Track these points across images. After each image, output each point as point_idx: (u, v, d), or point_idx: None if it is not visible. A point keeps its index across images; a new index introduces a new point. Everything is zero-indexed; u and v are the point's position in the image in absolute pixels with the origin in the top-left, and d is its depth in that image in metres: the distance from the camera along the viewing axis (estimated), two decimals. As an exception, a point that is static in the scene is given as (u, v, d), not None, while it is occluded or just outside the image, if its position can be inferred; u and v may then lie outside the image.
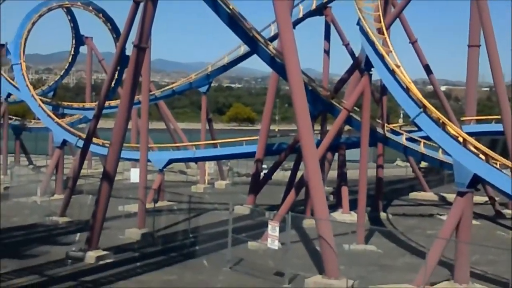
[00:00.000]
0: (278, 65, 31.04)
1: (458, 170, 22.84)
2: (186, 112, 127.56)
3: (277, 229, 24.54)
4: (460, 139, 23.35)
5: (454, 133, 23.65)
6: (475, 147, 23.06)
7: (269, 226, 24.85)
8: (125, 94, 25.90)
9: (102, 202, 26.65)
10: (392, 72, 26.08)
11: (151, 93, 47.90)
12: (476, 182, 22.81)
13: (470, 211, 23.42)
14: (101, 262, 26.00)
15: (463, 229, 22.90)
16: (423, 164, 52.86)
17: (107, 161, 26.66)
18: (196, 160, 44.26)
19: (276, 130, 78.15)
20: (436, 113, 24.23)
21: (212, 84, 50.36)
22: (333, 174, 42.94)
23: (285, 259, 24.03)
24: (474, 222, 34.11)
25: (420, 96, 24.72)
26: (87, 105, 51.89)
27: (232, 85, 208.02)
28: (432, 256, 22.56)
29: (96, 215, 26.77)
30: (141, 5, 25.44)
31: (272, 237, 24.62)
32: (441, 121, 23.99)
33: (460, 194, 22.87)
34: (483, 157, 22.59)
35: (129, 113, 26.34)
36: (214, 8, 29.29)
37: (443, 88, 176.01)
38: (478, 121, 42.30)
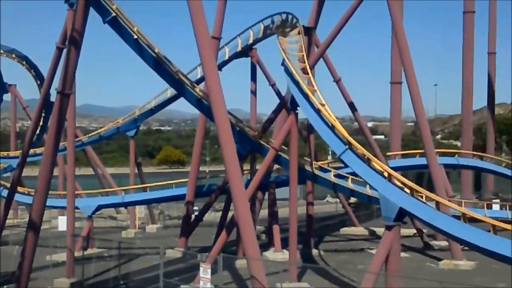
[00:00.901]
0: (205, 107, 31.15)
1: (384, 204, 23.29)
2: (115, 157, 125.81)
3: (209, 271, 24.31)
4: (386, 174, 23.83)
5: (379, 168, 24.13)
6: (400, 181, 23.58)
7: (201, 268, 24.58)
8: (49, 141, 25.41)
9: (28, 253, 25.84)
10: (317, 111, 26.50)
11: (77, 139, 47.40)
12: (403, 215, 23.27)
13: (398, 244, 23.85)
14: (27, 314, 25.17)
15: (392, 262, 23.26)
16: (353, 199, 53.56)
17: (33, 209, 25.98)
18: (125, 205, 43.66)
19: (207, 171, 78.00)
20: (361, 149, 24.71)
21: (141, 128, 49.99)
22: (264, 213, 43.05)
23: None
24: (403, 254, 34.93)
25: (345, 133, 25.18)
26: (12, 153, 50.70)
27: (162, 128, 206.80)
28: (363, 291, 22.78)
29: (22, 266, 25.92)
30: (64, 50, 25.21)
31: (204, 279, 24.35)
32: (366, 157, 24.46)
33: (388, 227, 23.29)
34: (408, 190, 23.10)
35: (54, 160, 25.81)
36: (139, 52, 29.31)
37: (369, 124, 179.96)
38: (403, 156, 43.33)
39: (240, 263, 32.47)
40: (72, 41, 24.24)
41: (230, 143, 23.25)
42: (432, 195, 23.38)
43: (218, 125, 23.66)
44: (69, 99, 25.67)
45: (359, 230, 47.03)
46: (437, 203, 22.54)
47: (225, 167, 23.91)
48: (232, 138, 23.53)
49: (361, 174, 24.71)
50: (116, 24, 28.06)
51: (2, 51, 50.66)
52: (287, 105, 31.53)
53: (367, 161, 24.34)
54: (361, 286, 23.37)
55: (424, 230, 40.55)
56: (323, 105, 26.56)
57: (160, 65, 30.05)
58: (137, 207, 49.43)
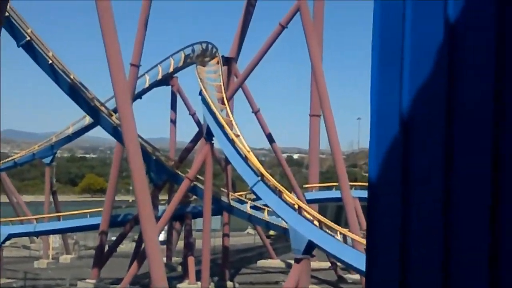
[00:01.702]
0: (121, 135, 30.75)
1: (294, 237, 23.42)
2: (37, 184, 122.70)
3: (116, 303, 23.89)
4: (296, 207, 23.99)
5: (290, 200, 24.30)
6: (310, 214, 23.77)
7: (108, 301, 24.13)
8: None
9: None
10: (231, 142, 26.56)
11: (-10, 165, 46.01)
12: (311, 248, 23.42)
13: (306, 276, 23.94)
14: None
15: (300, 295, 23.33)
16: (272, 232, 53.58)
17: None
18: (37, 234, 42.37)
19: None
20: (273, 181, 24.85)
21: (64, 155, 48.95)
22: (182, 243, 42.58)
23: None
24: (316, 287, 35.06)
25: (258, 164, 25.30)
26: None
27: (87, 155, 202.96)
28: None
29: None
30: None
31: (111, 311, 23.89)
32: (278, 189, 24.58)
33: (297, 260, 23.38)
34: (317, 223, 23.30)
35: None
36: (54, 78, 28.90)
37: (295, 156, 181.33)
38: (321, 188, 43.69)
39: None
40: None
41: (141, 173, 23.03)
42: (338, 228, 23.63)
43: (129, 155, 23.44)
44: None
45: (276, 262, 46.91)
46: (344, 236, 22.80)
47: (135, 197, 23.63)
48: (142, 168, 23.31)
49: (272, 206, 24.84)
50: (30, 48, 27.59)
51: None
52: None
53: (279, 193, 24.47)
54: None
55: (339, 263, 40.85)
56: (237, 136, 26.66)
57: (75, 91, 29.65)
58: (51, 236, 48.01)
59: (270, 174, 77.93)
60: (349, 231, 25.45)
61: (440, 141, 2.00)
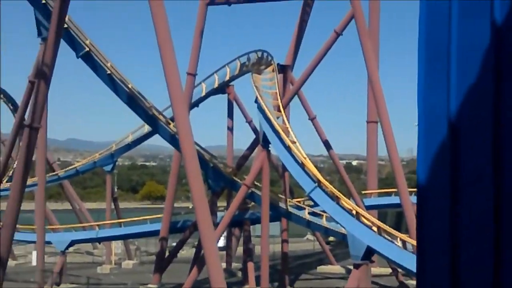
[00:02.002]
0: (179, 143, 31.11)
1: (352, 243, 23.25)
2: (99, 192, 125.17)
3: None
4: (354, 212, 23.82)
5: (348, 206, 24.14)
6: (368, 220, 23.57)
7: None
8: (17, 175, 25.26)
9: (-6, 288, 25.47)
10: (287, 148, 26.56)
11: (53, 173, 47.11)
12: (370, 254, 23.21)
13: (366, 282, 23.71)
14: None
15: (359, 301, 23.14)
16: (332, 238, 53.31)
17: (0, 244, 25.65)
18: (99, 240, 43.24)
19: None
20: (330, 188, 24.76)
21: (126, 163, 49.82)
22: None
23: None
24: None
25: (315, 171, 25.24)
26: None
27: (147, 163, 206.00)
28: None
29: (-12, 302, 25.54)
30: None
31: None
32: (335, 195, 24.46)
33: (356, 266, 23.21)
34: (375, 229, 23.08)
35: (22, 195, 25.56)
36: (113, 87, 29.43)
37: (354, 162, 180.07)
38: (380, 194, 43.25)
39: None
40: (41, 75, 24.26)
41: (198, 180, 23.19)
42: (398, 234, 23.35)
43: (186, 163, 23.63)
44: (37, 133, 25.54)
45: (336, 268, 46.62)
46: (404, 242, 22.52)
47: (193, 205, 23.83)
48: (199, 175, 23.48)
49: (330, 212, 24.73)
50: (89, 59, 28.19)
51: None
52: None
53: (336, 199, 24.34)
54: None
55: (399, 269, 40.33)
56: (293, 142, 26.65)
57: (133, 101, 30.14)
58: (114, 242, 48.92)
59: (329, 181, 77.91)
60: (408, 236, 25.11)
61: (488, 143, 1.98)
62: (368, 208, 35.94)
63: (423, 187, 2.14)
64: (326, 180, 48.24)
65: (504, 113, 1.96)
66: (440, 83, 2.14)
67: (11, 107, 51.00)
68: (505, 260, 1.92)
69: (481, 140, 2.00)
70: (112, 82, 29.26)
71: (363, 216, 23.65)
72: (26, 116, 26.38)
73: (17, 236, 38.77)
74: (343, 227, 24.18)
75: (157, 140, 44.54)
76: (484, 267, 1.96)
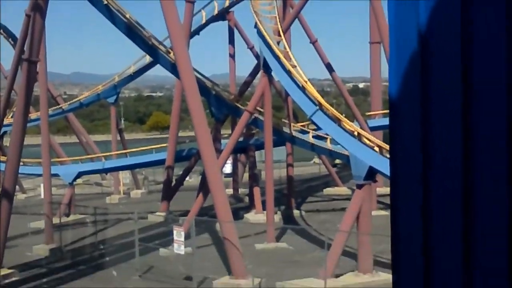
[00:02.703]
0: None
1: (354, 164, 23.41)
2: (106, 124, 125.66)
3: (183, 234, 24.56)
4: (355, 134, 23.89)
5: (349, 128, 24.19)
6: (370, 141, 23.65)
7: (174, 232, 24.86)
8: (19, 109, 25.37)
9: (3, 220, 25.88)
10: (288, 73, 26.44)
11: (57, 106, 47.24)
12: (373, 174, 23.36)
13: (368, 202, 23.98)
14: (6, 281, 25.36)
15: (363, 221, 23.46)
16: (338, 160, 53.62)
17: (5, 177, 26.00)
18: (106, 171, 43.69)
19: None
20: (332, 110, 24.76)
21: (132, 94, 49.78)
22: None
23: (192, 263, 24.03)
24: (383, 212, 35.15)
25: (316, 94, 25.19)
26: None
27: (153, 94, 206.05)
28: (334, 249, 23.02)
29: (-3, 234, 26.05)
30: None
31: (178, 242, 24.61)
32: (336, 118, 24.49)
33: (358, 186, 23.44)
34: (377, 149, 23.18)
35: (24, 128, 25.71)
36: (111, 18, 29.19)
37: (361, 85, 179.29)
38: (385, 115, 43.24)
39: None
40: (36, 8, 24.04)
41: (198, 107, 23.25)
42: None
43: (186, 92, 23.67)
44: (36, 67, 25.51)
45: (342, 190, 47.09)
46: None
47: (195, 132, 23.97)
48: (200, 102, 23.53)
49: (332, 134, 24.85)
50: (85, -11, 27.81)
51: (-22, 21, 50.04)
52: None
53: (337, 121, 24.37)
54: (333, 244, 23.56)
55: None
56: (294, 66, 26.50)
57: (131, 31, 29.94)
58: (121, 173, 49.50)
59: (335, 104, 78.09)
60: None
61: (458, 52, 1.96)
62: (373, 129, 36.02)
63: (395, 99, 2.13)
64: (331, 103, 48.30)
65: (472, 24, 1.94)
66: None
67: (11, 42, 50.64)
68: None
69: (450, 50, 1.99)
70: (110, 13, 28.96)
71: (364, 136, 23.72)
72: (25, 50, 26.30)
73: (24, 169, 39.34)
74: (345, 148, 24.29)
75: (162, 71, 44.34)
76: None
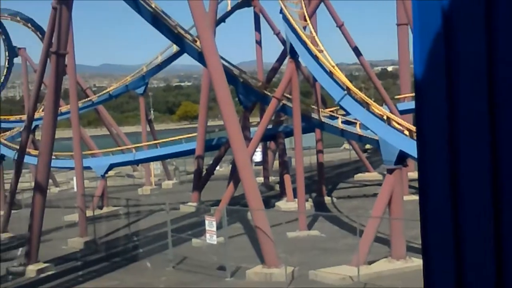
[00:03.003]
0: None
1: (384, 148, 23.17)
2: (137, 115, 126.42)
3: (214, 223, 24.57)
4: (385, 118, 23.64)
5: (378, 112, 23.95)
6: (400, 124, 23.39)
7: (206, 222, 24.88)
8: (49, 102, 25.59)
9: (37, 214, 26.28)
10: (315, 58, 26.24)
11: (87, 99, 47.58)
12: (403, 158, 23.10)
13: (400, 187, 23.75)
14: (42, 275, 25.69)
15: (395, 206, 23.22)
16: (368, 145, 53.25)
17: (38, 171, 26.35)
18: (137, 162, 43.95)
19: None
20: (360, 94, 24.54)
21: (161, 85, 49.98)
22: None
23: (225, 253, 24.05)
24: (415, 197, 34.74)
25: (344, 78, 24.98)
26: (24, 117, 50.95)
27: (182, 84, 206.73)
28: (366, 236, 22.86)
29: (32, 227, 26.39)
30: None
31: (210, 232, 24.64)
32: (365, 102, 24.26)
33: (389, 171, 23.21)
34: (407, 133, 22.92)
35: (55, 121, 25.96)
36: (136, 8, 29.22)
37: (390, 68, 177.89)
38: (414, 98, 42.73)
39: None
40: (62, 0, 24.14)
41: (226, 95, 23.21)
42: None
43: (213, 80, 23.60)
44: (65, 59, 25.66)
45: (373, 175, 46.70)
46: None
47: (223, 121, 23.93)
48: (227, 90, 23.48)
49: (361, 119, 24.63)
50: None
51: (6, 15, 50.60)
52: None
53: (366, 106, 24.14)
54: (365, 230, 23.40)
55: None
56: (321, 51, 26.30)
57: (157, 20, 29.91)
58: (153, 164, 49.75)
59: (364, 88, 77.54)
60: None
61: (482, 30, 1.90)
62: (402, 112, 35.67)
63: (420, 80, 2.08)
64: (360, 88, 47.91)
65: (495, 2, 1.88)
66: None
67: (40, 36, 51.07)
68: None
69: (474, 29, 1.93)
70: (135, 2, 28.97)
71: (394, 120, 23.44)
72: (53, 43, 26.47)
73: (57, 163, 39.77)
74: (375, 133, 24.05)
75: (189, 60, 44.26)
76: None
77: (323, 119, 35.73)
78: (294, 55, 29.16)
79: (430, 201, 2.03)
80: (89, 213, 32.93)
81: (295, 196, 36.49)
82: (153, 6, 29.67)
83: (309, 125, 34.38)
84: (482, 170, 1.90)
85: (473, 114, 1.93)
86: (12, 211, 35.75)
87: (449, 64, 1.98)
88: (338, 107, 42.62)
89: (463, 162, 1.94)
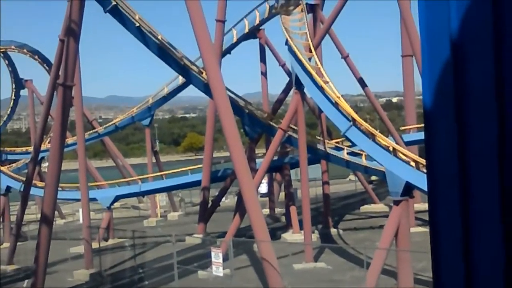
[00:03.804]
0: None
1: (391, 179, 23.09)
2: (142, 147, 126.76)
3: (221, 255, 24.45)
4: (391, 149, 23.61)
5: (384, 143, 23.92)
6: (406, 156, 23.35)
7: (212, 253, 24.76)
8: (55, 134, 25.62)
9: (43, 246, 26.12)
10: (320, 89, 26.32)
11: (93, 130, 47.73)
12: (410, 190, 23.02)
13: (407, 218, 23.63)
14: (49, 308, 25.56)
15: (401, 237, 23.07)
16: (374, 177, 53.10)
17: (44, 203, 26.26)
18: (143, 194, 43.93)
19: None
20: (366, 125, 24.53)
21: (166, 116, 50.15)
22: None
23: (231, 285, 23.91)
24: (422, 229, 34.64)
25: (349, 109, 25.01)
26: (30, 149, 51.11)
27: (187, 115, 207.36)
28: (374, 267, 22.68)
29: (38, 259, 26.24)
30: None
31: (216, 264, 24.52)
32: (370, 133, 24.25)
33: (396, 202, 23.10)
34: (413, 164, 22.85)
35: (62, 153, 25.93)
36: (143, 40, 29.42)
37: (394, 99, 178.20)
38: (419, 129, 42.78)
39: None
40: (70, 32, 24.34)
41: (232, 127, 23.20)
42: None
43: (220, 111, 23.62)
44: (71, 91, 25.77)
45: (379, 207, 46.57)
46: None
47: (229, 152, 23.92)
48: (233, 122, 23.48)
49: (367, 150, 24.59)
50: (117, 13, 28.17)
51: (13, 47, 51.03)
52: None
53: (372, 137, 24.13)
54: (372, 262, 23.22)
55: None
56: (326, 82, 26.38)
57: (164, 52, 30.10)
58: (158, 195, 49.70)
59: (369, 119, 77.36)
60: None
61: (491, 58, 1.89)
62: (408, 144, 35.63)
63: (429, 110, 2.07)
64: (365, 119, 47.92)
65: (504, 27, 1.87)
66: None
67: (47, 68, 51.41)
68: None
69: (484, 57, 1.93)
70: (142, 35, 29.19)
71: (400, 151, 23.40)
72: (60, 75, 26.63)
73: (63, 195, 39.75)
74: (381, 164, 24.00)
75: (195, 91, 44.47)
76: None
77: (329, 150, 35.71)
78: (299, 86, 29.28)
79: (441, 234, 2.01)
80: (95, 245, 32.83)
81: (301, 227, 36.34)
82: (160, 38, 29.88)
83: (315, 156, 34.38)
84: (493, 203, 1.88)
85: (483, 145, 1.92)
86: (18, 243, 35.67)
87: (458, 94, 1.97)
88: (344, 139, 42.71)
89: (473, 194, 1.93)
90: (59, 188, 28.44)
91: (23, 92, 57.09)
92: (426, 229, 36.52)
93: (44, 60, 51.65)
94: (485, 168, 1.88)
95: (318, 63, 28.26)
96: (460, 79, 1.93)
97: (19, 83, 55.63)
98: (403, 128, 41.52)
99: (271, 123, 34.68)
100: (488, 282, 1.90)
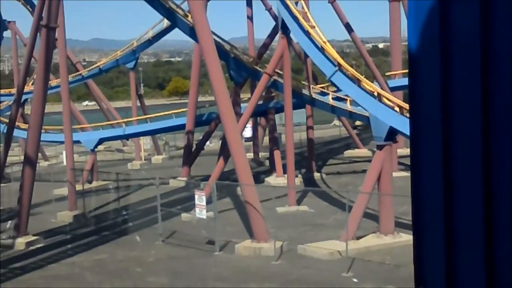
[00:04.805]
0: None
1: (375, 124, 23.22)
2: (127, 90, 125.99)
3: (204, 198, 24.61)
4: (375, 94, 23.66)
5: (369, 88, 23.96)
6: (390, 101, 23.42)
7: (196, 196, 24.90)
8: (39, 76, 25.43)
9: (26, 187, 26.25)
10: (307, 33, 26.17)
11: (77, 73, 47.32)
12: (393, 135, 23.16)
13: (389, 163, 23.84)
14: (31, 248, 25.72)
15: (384, 182, 23.34)
16: (358, 122, 53.30)
17: (27, 145, 26.25)
18: (127, 137, 43.81)
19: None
20: (351, 71, 24.53)
21: (151, 60, 49.73)
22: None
23: (214, 227, 24.12)
24: (404, 173, 34.97)
25: (335, 54, 24.95)
26: (13, 91, 50.63)
27: (172, 59, 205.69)
28: (355, 211, 22.99)
29: (21, 200, 26.38)
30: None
31: (200, 206, 24.69)
32: (356, 78, 24.26)
33: (379, 147, 23.29)
34: (398, 109, 22.95)
35: (45, 95, 25.81)
36: (127, -18, 28.89)
37: (381, 45, 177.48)
38: (405, 75, 42.81)
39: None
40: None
41: (217, 71, 23.11)
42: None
43: (205, 55, 23.48)
44: (55, 33, 25.45)
45: (363, 152, 46.77)
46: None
47: (214, 96, 23.90)
48: (219, 66, 23.39)
49: (352, 95, 24.66)
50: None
51: (-5, -12, 49.95)
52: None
53: (357, 82, 24.15)
54: (354, 206, 23.53)
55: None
56: (313, 27, 26.23)
57: (149, -6, 29.68)
58: (142, 139, 49.68)
59: (355, 65, 77.44)
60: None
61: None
62: (393, 89, 35.70)
63: (414, 55, 2.07)
64: (351, 64, 47.82)
65: None
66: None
67: (30, 9, 50.54)
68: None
69: (467, 1, 1.92)
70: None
71: (385, 97, 23.47)
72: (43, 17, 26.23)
73: (46, 137, 39.65)
74: (365, 109, 24.09)
75: (180, 35, 43.95)
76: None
77: (314, 95, 35.67)
78: (285, 31, 29.06)
79: (422, 177, 2.04)
80: (78, 187, 32.89)
81: (284, 171, 36.57)
82: (145, -21, 29.44)
83: (300, 101, 34.37)
84: (475, 147, 1.91)
85: (467, 90, 1.93)
86: (2, 185, 35.63)
87: (443, 40, 1.97)
88: (329, 84, 42.63)
89: (455, 138, 1.95)
90: (43, 130, 28.37)
91: (6, 34, 56.03)
92: (408, 174, 36.86)
93: (27, 1, 50.73)
94: (468, 113, 1.90)
95: (305, 7, 28.02)
96: (446, 25, 1.94)
97: (2, 24, 54.27)
98: (388, 73, 41.51)
99: (257, 67, 34.55)
100: (466, 226, 1.94)
